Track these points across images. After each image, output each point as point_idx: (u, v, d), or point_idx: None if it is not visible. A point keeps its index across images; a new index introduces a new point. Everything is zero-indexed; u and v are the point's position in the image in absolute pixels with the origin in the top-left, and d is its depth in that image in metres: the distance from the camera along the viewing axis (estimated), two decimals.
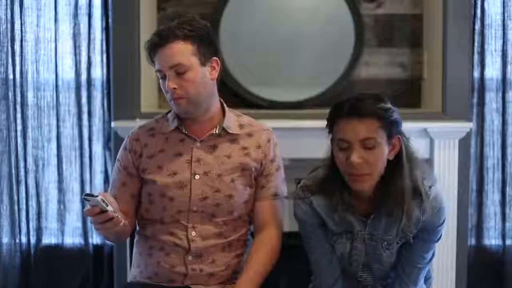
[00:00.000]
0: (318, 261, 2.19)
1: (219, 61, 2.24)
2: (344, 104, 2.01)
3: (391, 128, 2.01)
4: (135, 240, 2.36)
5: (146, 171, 2.25)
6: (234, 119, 2.30)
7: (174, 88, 2.16)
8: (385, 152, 2.01)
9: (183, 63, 2.16)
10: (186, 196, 2.21)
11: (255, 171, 2.28)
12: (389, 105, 2.03)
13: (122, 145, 2.33)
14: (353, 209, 2.10)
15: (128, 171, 2.28)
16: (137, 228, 2.35)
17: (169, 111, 2.33)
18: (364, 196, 2.08)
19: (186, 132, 2.26)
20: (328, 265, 2.19)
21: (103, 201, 1.97)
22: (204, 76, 2.20)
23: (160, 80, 2.21)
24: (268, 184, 2.29)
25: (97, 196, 1.96)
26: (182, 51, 2.16)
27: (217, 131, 2.26)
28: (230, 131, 2.27)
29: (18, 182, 3.62)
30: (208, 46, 2.21)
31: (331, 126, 2.05)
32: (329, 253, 2.17)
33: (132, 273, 2.36)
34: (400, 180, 2.03)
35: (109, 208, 1.99)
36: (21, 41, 3.57)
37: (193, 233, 2.22)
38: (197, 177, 2.22)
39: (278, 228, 2.29)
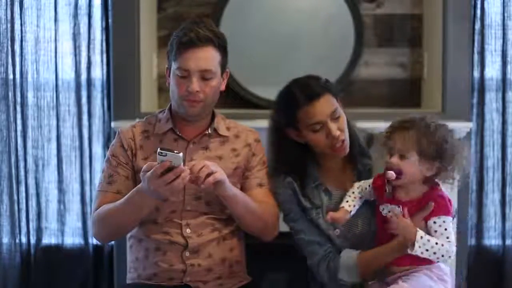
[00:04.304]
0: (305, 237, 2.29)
1: (228, 73, 2.32)
2: (296, 96, 2.19)
3: (337, 94, 2.25)
4: (128, 246, 2.37)
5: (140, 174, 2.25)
6: (221, 121, 2.36)
7: (197, 91, 2.18)
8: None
9: (212, 70, 2.20)
10: (180, 197, 2.22)
11: (244, 168, 2.33)
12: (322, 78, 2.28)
13: (116, 142, 2.32)
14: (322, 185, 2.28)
15: (129, 167, 2.29)
16: (131, 233, 2.35)
17: (160, 112, 2.36)
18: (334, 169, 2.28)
19: (179, 134, 2.28)
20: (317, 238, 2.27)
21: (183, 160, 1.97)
22: (220, 86, 2.27)
23: (177, 78, 2.22)
24: (252, 175, 2.33)
25: (179, 153, 1.96)
26: (214, 58, 2.21)
27: (209, 131, 2.29)
28: (221, 133, 2.31)
29: (18, 182, 3.61)
30: (226, 58, 2.27)
31: (292, 120, 2.20)
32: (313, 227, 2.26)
33: (129, 277, 2.36)
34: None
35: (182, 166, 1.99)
36: (21, 41, 3.57)
37: (188, 230, 2.24)
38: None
39: (272, 202, 2.32)
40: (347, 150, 2.22)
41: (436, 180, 2.10)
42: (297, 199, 2.26)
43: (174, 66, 2.23)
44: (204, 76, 2.20)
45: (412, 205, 2.08)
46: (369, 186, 2.19)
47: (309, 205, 2.25)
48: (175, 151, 1.98)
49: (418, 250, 2.01)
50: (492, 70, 3.56)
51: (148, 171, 2.03)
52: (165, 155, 1.95)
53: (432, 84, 3.49)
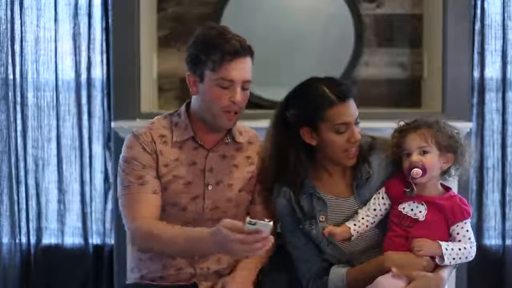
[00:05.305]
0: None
1: None
2: (327, 94, 2.13)
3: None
4: (130, 246, 2.33)
5: (161, 179, 2.20)
6: (234, 127, 2.29)
7: (238, 102, 2.14)
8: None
9: (251, 80, 2.16)
10: (199, 206, 2.21)
11: (256, 177, 2.30)
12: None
13: (135, 146, 2.20)
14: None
15: (154, 169, 2.19)
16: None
17: (173, 114, 2.27)
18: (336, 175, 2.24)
19: (200, 142, 2.22)
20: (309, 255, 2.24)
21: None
22: None
23: (218, 88, 2.12)
24: (258, 189, 2.31)
25: (270, 221, 1.87)
26: (251, 68, 2.17)
27: (229, 140, 2.25)
28: (237, 140, 2.26)
29: (18, 182, 3.61)
30: None
31: (317, 118, 2.14)
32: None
33: (131, 277, 2.32)
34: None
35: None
36: (21, 41, 3.57)
37: None
38: (210, 187, 2.21)
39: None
40: (355, 160, 2.20)
41: (451, 174, 2.14)
42: (291, 209, 2.23)
43: (213, 76, 2.12)
44: (244, 86, 2.15)
45: (435, 202, 2.09)
46: (380, 198, 2.18)
47: (302, 215, 2.22)
48: (266, 220, 1.89)
49: (446, 261, 2.06)
50: (492, 70, 3.56)
51: (230, 228, 1.91)
52: (255, 224, 1.87)
53: (432, 84, 3.49)
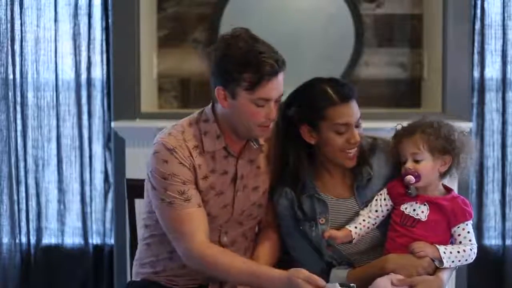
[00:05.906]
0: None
1: None
2: (329, 93, 2.14)
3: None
4: (143, 243, 2.26)
5: (200, 193, 2.15)
6: None
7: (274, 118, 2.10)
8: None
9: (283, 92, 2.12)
10: (228, 214, 2.19)
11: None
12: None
13: (171, 160, 2.10)
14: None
15: (194, 184, 2.13)
16: (151, 232, 2.24)
17: (198, 120, 2.18)
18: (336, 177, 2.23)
19: (231, 151, 2.18)
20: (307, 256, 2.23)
21: None
22: None
23: (254, 106, 2.06)
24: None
25: (353, 285, 1.92)
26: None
27: (256, 145, 2.20)
28: (260, 143, 2.22)
29: (18, 182, 3.61)
30: None
31: (317, 116, 2.14)
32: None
33: (141, 271, 2.27)
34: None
35: None
36: (21, 41, 3.57)
37: (225, 239, 2.20)
38: (238, 193, 2.19)
39: (276, 231, 2.29)
40: (355, 162, 2.19)
41: (452, 174, 2.13)
42: (292, 210, 2.22)
43: (248, 96, 2.04)
44: (278, 99, 2.09)
45: (437, 202, 2.09)
46: (381, 199, 2.17)
47: (302, 216, 2.21)
48: (351, 284, 1.93)
49: (446, 264, 2.06)
50: (492, 70, 3.56)
51: (307, 281, 1.93)
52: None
53: (432, 84, 3.49)
